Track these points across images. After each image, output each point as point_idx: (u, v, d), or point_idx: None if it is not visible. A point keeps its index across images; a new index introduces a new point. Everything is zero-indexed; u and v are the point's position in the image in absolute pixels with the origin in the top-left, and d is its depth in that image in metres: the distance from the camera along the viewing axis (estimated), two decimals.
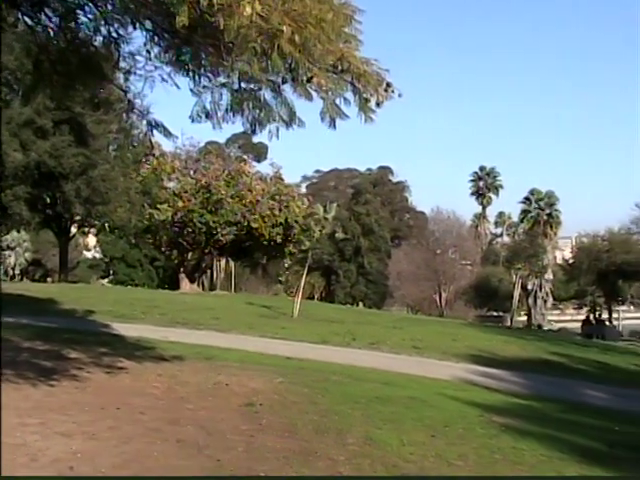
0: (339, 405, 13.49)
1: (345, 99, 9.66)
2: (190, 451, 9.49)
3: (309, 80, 9.16)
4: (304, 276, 43.88)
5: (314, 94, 9.59)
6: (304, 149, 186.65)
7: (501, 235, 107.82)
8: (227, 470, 8.77)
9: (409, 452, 10.25)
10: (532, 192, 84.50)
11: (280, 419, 11.89)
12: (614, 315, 78.68)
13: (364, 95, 9.44)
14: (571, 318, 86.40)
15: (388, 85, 9.36)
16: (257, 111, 10.57)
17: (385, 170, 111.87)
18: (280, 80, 9.84)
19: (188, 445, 9.76)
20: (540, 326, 69.87)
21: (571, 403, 19.96)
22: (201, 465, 8.92)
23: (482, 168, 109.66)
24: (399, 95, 9.40)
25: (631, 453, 12.29)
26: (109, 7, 10.32)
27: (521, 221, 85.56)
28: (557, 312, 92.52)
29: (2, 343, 16.58)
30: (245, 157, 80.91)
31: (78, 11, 10.74)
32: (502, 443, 11.56)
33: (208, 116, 10.85)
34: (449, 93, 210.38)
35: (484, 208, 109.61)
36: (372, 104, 9.51)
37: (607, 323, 66.67)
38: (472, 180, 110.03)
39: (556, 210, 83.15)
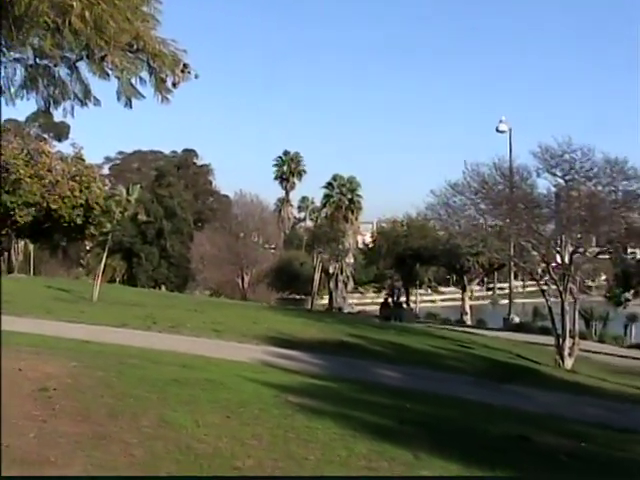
0: (135, 388, 13.30)
1: (141, 79, 9.55)
2: None
3: (103, 58, 9.01)
4: (104, 259, 43.11)
5: (110, 73, 9.45)
6: (108, 130, 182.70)
7: (304, 219, 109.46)
8: (16, 456, 8.50)
9: (203, 433, 10.23)
10: (334, 177, 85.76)
11: (74, 403, 11.59)
12: (412, 298, 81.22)
13: (160, 75, 9.36)
14: (371, 301, 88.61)
15: (185, 66, 9.32)
16: (52, 88, 10.27)
17: (190, 153, 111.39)
18: (75, 57, 9.61)
19: None
20: (340, 309, 71.26)
21: (366, 383, 20.50)
22: None
23: (286, 153, 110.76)
24: (196, 76, 9.37)
25: (420, 429, 12.72)
26: None
27: (323, 206, 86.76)
28: (358, 295, 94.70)
29: None
30: (45, 136, 78.52)
31: None
32: (296, 422, 11.72)
33: (0, 92, 10.46)
34: (256, 76, 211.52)
35: (287, 192, 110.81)
36: (168, 84, 9.45)
37: (404, 306, 68.62)
38: (276, 164, 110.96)
39: (357, 195, 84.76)
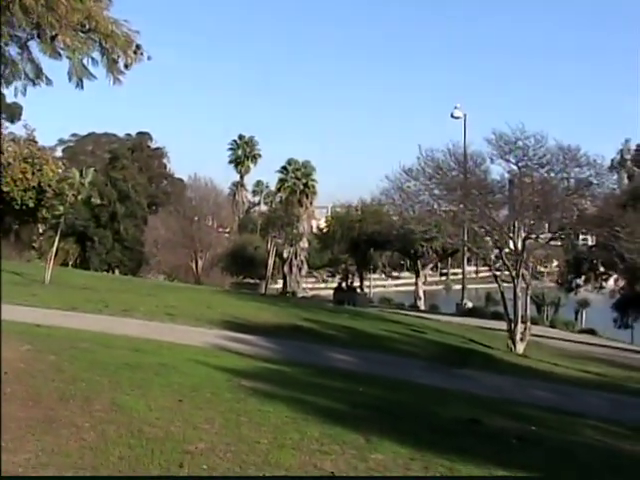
0: (86, 372, 13.24)
1: (93, 59, 9.45)
2: None
3: (54, 38, 8.89)
4: (56, 242, 42.71)
5: (62, 52, 9.32)
6: (61, 112, 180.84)
7: (259, 204, 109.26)
8: None
9: (155, 417, 10.22)
10: (289, 162, 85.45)
11: (25, 387, 11.51)
12: (365, 283, 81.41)
13: (112, 56, 9.27)
14: (325, 286, 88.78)
15: (137, 47, 9.25)
16: (2, 67, 10.12)
17: (144, 136, 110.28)
18: (26, 36, 9.47)
19: None
20: (294, 293, 71.21)
21: (319, 367, 20.55)
22: None
23: (241, 137, 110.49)
24: (148, 58, 9.32)
25: (372, 412, 12.81)
26: None
27: (278, 190, 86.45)
28: (313, 280, 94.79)
29: None
30: None
31: None
32: (249, 406, 11.74)
33: None
34: (212, 59, 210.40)
35: (242, 176, 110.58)
36: (121, 66, 9.36)
37: (358, 290, 68.80)
38: (231, 148, 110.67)
39: (312, 180, 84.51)
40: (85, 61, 9.28)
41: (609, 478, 10.53)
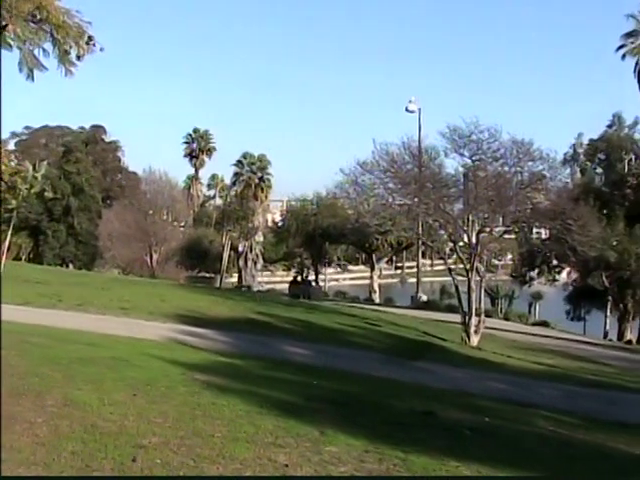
0: (39, 367, 13.11)
1: (44, 50, 9.34)
2: None
3: (4, 28, 8.77)
4: (9, 236, 42.31)
5: (12, 43, 9.20)
6: (14, 104, 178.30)
7: (214, 197, 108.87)
8: None
9: (109, 412, 10.15)
10: (244, 155, 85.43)
11: None
12: (321, 276, 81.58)
13: (64, 47, 9.16)
14: (281, 279, 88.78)
15: (90, 38, 9.16)
16: None
17: (98, 129, 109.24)
18: None
19: None
20: (249, 287, 71.14)
21: (274, 360, 20.57)
22: None
23: (196, 130, 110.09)
24: (101, 49, 9.23)
25: (327, 405, 12.81)
26: None
27: (233, 184, 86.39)
28: (268, 273, 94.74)
29: None
30: None
31: None
32: (203, 400, 11.71)
33: None
34: (164, 53, 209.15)
35: (197, 170, 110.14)
36: (73, 57, 9.26)
37: (313, 284, 68.91)
38: (185, 142, 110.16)
39: (267, 174, 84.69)
40: (36, 52, 9.19)
41: (562, 467, 10.62)
